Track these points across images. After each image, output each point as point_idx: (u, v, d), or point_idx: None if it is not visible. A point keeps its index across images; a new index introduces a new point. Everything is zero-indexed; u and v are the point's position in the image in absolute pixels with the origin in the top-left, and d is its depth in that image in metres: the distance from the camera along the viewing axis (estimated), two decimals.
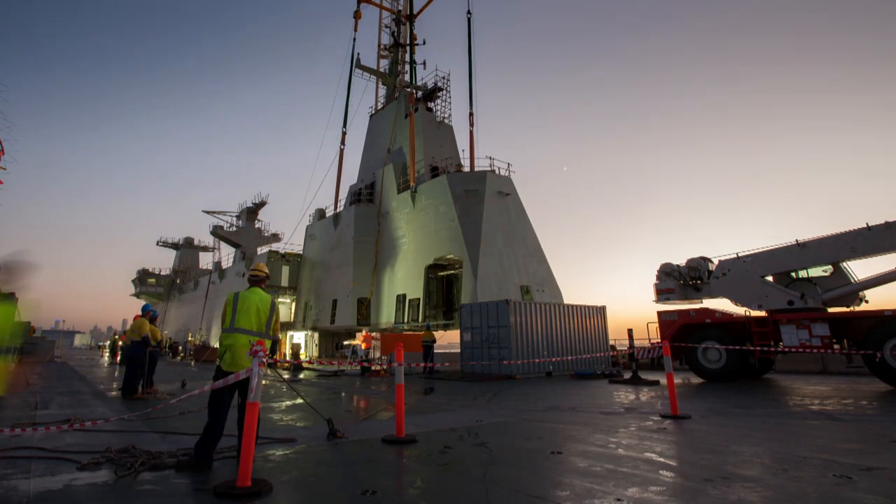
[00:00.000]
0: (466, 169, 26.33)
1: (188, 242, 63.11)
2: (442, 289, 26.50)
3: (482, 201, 22.63)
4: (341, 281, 28.46)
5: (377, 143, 32.76)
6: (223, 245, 50.85)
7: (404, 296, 24.98)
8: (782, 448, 4.74)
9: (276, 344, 4.80)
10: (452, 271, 24.55)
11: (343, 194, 33.29)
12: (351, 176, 34.44)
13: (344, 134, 34.55)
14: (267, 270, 4.95)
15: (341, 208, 32.07)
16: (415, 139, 28.28)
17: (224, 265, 45.43)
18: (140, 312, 10.63)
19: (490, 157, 24.37)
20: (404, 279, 25.34)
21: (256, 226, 48.14)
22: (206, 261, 62.70)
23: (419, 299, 23.70)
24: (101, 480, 3.78)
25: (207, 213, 50.77)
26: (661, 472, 3.93)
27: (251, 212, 48.05)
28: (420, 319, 22.96)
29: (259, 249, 41.49)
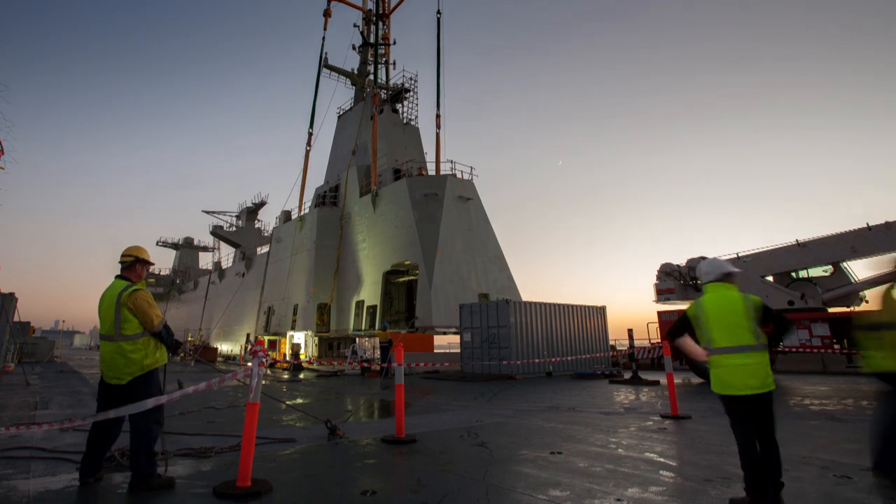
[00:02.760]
0: (432, 172, 25.82)
1: (188, 242, 63.05)
2: (404, 294, 25.98)
3: (441, 206, 22.07)
4: (303, 286, 27.84)
5: (344, 145, 32.03)
6: (223, 245, 50.85)
7: (363, 302, 24.43)
8: (782, 448, 4.71)
9: (160, 336, 3.76)
10: (413, 277, 23.97)
11: (309, 196, 32.63)
12: (318, 179, 33.84)
13: (310, 135, 33.59)
14: (139, 254, 3.91)
15: (306, 211, 31.33)
16: (378, 141, 27.68)
17: (224, 265, 45.44)
18: None
19: (451, 161, 23.92)
20: (365, 285, 24.78)
21: (256, 226, 48.09)
22: (205, 261, 62.72)
23: (377, 306, 23.21)
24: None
25: (207, 213, 50.79)
26: (661, 472, 3.93)
27: (251, 212, 48.02)
28: (377, 327, 22.68)
29: (259, 249, 41.47)
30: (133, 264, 3.87)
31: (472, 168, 24.65)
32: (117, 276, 3.87)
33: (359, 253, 25.92)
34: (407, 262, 22.46)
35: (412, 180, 23.44)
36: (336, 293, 26.65)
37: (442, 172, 25.05)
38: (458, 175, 23.87)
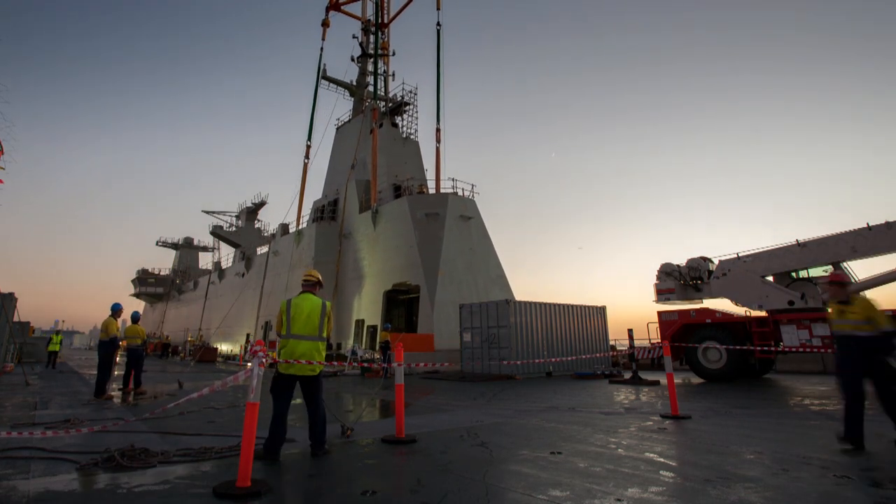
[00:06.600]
0: (431, 187, 25.62)
1: (188, 242, 63.11)
2: (404, 311, 25.66)
3: (443, 226, 21.83)
4: None
5: (342, 157, 31.59)
6: (223, 245, 50.86)
7: (363, 321, 24.11)
8: (782, 448, 4.74)
9: (328, 346, 4.91)
10: (415, 294, 23.64)
11: (307, 209, 32.18)
12: (316, 190, 33.31)
13: (308, 147, 33.02)
14: (319, 276, 5.09)
15: (304, 225, 30.92)
16: (377, 157, 27.33)
17: (224, 265, 45.44)
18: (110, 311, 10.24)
19: (453, 179, 23.82)
20: (364, 304, 24.44)
21: (256, 226, 48.11)
22: (205, 261, 62.77)
23: (377, 326, 22.86)
24: (100, 481, 3.78)
25: (207, 213, 50.84)
26: (661, 472, 3.92)
27: (251, 212, 48.03)
28: (377, 347, 22.59)
29: (259, 249, 41.50)
30: (316, 284, 5.00)
31: (472, 186, 24.44)
32: (308, 291, 4.90)
33: (359, 270, 25.56)
34: (408, 283, 22.23)
35: (413, 198, 23.19)
36: (335, 311, 26.37)
37: (442, 190, 24.78)
38: (459, 193, 23.69)
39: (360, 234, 26.33)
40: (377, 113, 29.26)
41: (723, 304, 13.41)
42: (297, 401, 4.99)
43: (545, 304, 16.36)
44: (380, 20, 34.04)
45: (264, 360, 3.78)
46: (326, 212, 29.89)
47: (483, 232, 23.81)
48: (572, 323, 16.79)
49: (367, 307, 24.31)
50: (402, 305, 25.54)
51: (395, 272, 22.86)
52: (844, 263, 11.66)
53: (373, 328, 23.43)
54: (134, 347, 10.66)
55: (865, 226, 11.04)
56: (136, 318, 11.29)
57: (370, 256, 25.01)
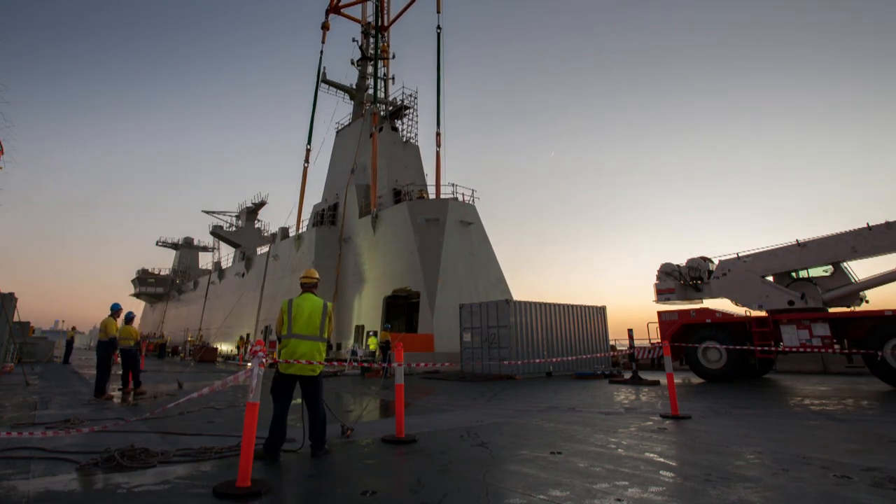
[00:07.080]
0: (431, 191, 25.63)
1: (188, 242, 63.08)
2: (403, 314, 25.68)
3: (443, 231, 21.81)
4: None
5: (342, 161, 31.52)
6: (223, 245, 50.84)
7: (363, 327, 24.09)
8: (782, 448, 4.73)
9: (329, 346, 5.02)
10: (415, 300, 23.63)
11: (307, 213, 32.17)
12: (316, 194, 33.21)
13: (308, 151, 32.97)
14: (317, 276, 5.14)
15: (304, 229, 30.94)
16: (377, 161, 27.27)
17: (224, 265, 45.42)
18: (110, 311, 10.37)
19: (453, 185, 23.82)
20: (365, 309, 24.42)
21: (256, 226, 48.08)
22: (205, 261, 62.75)
23: (378, 332, 23.08)
24: (99, 481, 3.78)
25: (207, 213, 50.80)
26: (661, 472, 3.92)
27: (251, 212, 47.99)
28: (379, 338, 22.49)
29: (259, 250, 41.46)
30: (315, 284, 5.08)
31: (473, 191, 24.43)
32: (308, 291, 4.96)
33: (360, 276, 25.52)
34: (408, 288, 22.19)
35: (413, 204, 23.13)
36: (335, 315, 26.33)
37: (442, 195, 24.68)
38: (459, 198, 23.64)
39: (360, 238, 26.26)
40: (377, 117, 29.19)
41: (723, 304, 13.43)
42: (297, 401, 4.99)
43: (545, 304, 16.35)
44: (380, 23, 33.95)
45: (264, 360, 3.78)
46: (326, 216, 29.82)
47: (483, 237, 23.77)
48: (572, 323, 16.79)
49: (367, 312, 24.28)
50: (402, 311, 25.55)
51: (396, 277, 22.82)
52: (844, 263, 11.67)
53: (373, 333, 23.43)
54: (127, 348, 10.64)
55: (865, 226, 11.04)
56: (129, 318, 11.23)
57: (370, 261, 24.95)
